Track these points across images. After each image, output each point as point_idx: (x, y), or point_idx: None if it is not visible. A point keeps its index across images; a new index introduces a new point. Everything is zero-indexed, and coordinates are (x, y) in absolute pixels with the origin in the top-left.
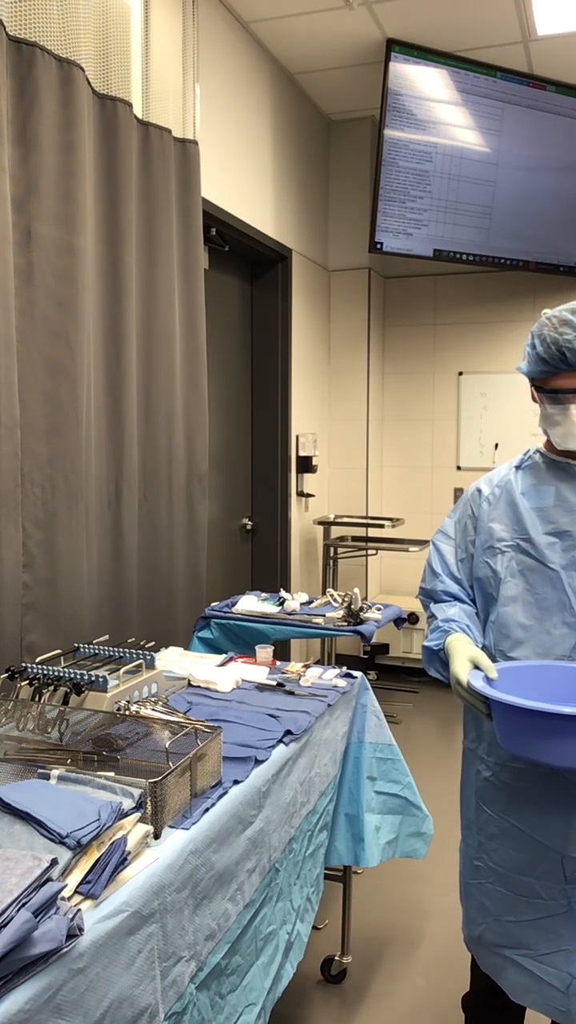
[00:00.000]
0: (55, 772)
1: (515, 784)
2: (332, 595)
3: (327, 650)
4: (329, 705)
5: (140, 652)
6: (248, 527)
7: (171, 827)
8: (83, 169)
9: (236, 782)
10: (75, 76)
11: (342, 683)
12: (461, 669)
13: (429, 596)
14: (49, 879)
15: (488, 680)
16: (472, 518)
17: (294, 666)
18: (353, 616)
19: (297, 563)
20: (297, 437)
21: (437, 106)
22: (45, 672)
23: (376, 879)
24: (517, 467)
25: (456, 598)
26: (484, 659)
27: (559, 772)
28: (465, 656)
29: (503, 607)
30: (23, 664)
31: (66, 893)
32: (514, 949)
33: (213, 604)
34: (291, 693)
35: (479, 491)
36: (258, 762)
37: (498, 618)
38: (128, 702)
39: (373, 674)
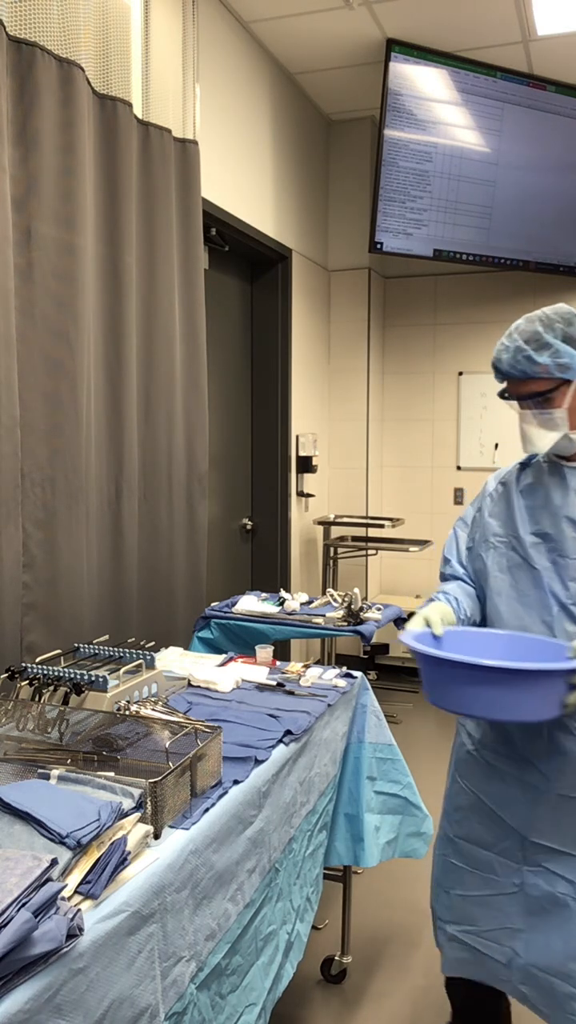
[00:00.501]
0: (55, 772)
1: (493, 763)
2: (332, 595)
3: (327, 650)
4: (329, 705)
5: (140, 652)
6: (248, 527)
7: (171, 827)
8: (83, 169)
9: (236, 782)
10: (75, 76)
11: (342, 683)
12: (410, 624)
13: (441, 579)
14: (49, 879)
15: (436, 640)
16: (479, 511)
17: (294, 666)
18: (353, 616)
19: (297, 563)
20: (297, 437)
21: (437, 106)
22: (45, 672)
23: (376, 879)
24: (522, 465)
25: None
26: (436, 618)
27: (535, 761)
28: (421, 615)
29: (490, 600)
30: (23, 664)
31: (66, 893)
32: (457, 925)
33: (213, 604)
34: (291, 693)
35: (487, 485)
36: (258, 762)
37: (487, 610)
38: (128, 702)
39: (373, 674)
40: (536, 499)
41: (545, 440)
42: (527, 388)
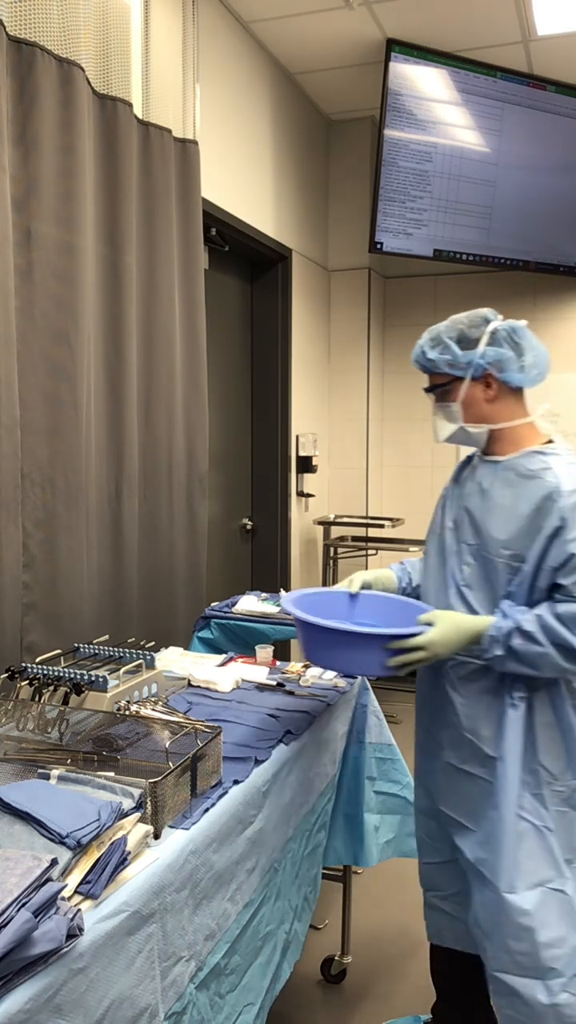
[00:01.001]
0: (55, 772)
1: (418, 735)
2: None
3: None
4: (329, 705)
5: (140, 652)
6: (248, 527)
7: (171, 827)
8: (83, 169)
9: (236, 782)
10: (75, 76)
11: (342, 683)
12: (339, 584)
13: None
14: (49, 879)
15: (351, 599)
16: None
17: (294, 666)
18: None
19: (297, 563)
20: (297, 437)
21: (437, 106)
22: (45, 672)
23: (376, 879)
24: (468, 459)
25: None
26: (363, 578)
27: (433, 731)
28: (356, 575)
29: (423, 579)
30: (23, 664)
31: (66, 893)
32: (431, 891)
33: (213, 604)
34: (291, 693)
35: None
36: (258, 762)
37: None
38: (128, 702)
39: None
40: (459, 490)
41: (445, 430)
42: (431, 381)
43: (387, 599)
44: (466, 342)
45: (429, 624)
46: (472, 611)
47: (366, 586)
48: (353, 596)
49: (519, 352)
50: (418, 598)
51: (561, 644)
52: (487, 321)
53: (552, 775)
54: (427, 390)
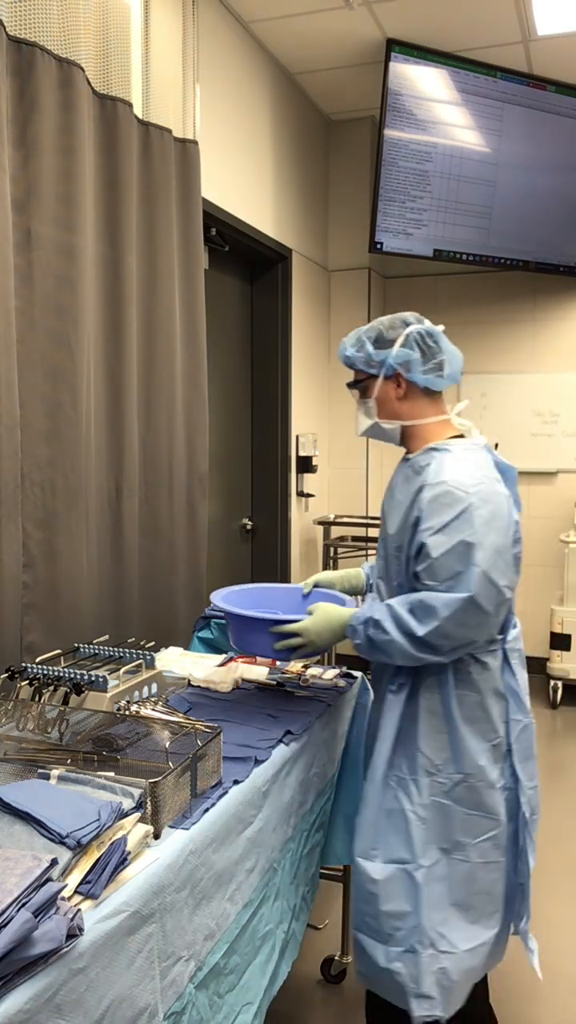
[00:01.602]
0: (55, 772)
1: None
2: None
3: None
4: (329, 705)
5: (140, 652)
6: (248, 527)
7: (171, 827)
8: (83, 169)
9: (236, 782)
10: (75, 76)
11: (342, 683)
12: (305, 581)
13: None
14: (49, 879)
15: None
16: None
17: (294, 666)
18: None
19: (297, 563)
20: (297, 437)
21: (437, 106)
22: (45, 672)
23: None
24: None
25: None
26: (322, 578)
27: None
28: (324, 574)
29: None
30: (23, 664)
31: (66, 893)
32: None
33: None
34: (291, 693)
35: None
36: (258, 762)
37: None
38: (128, 702)
39: None
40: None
41: (363, 424)
42: (353, 377)
43: (331, 595)
44: (382, 342)
45: (311, 614)
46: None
47: (328, 584)
48: (306, 595)
49: (430, 354)
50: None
51: (407, 632)
52: (406, 324)
53: (434, 765)
54: (348, 385)
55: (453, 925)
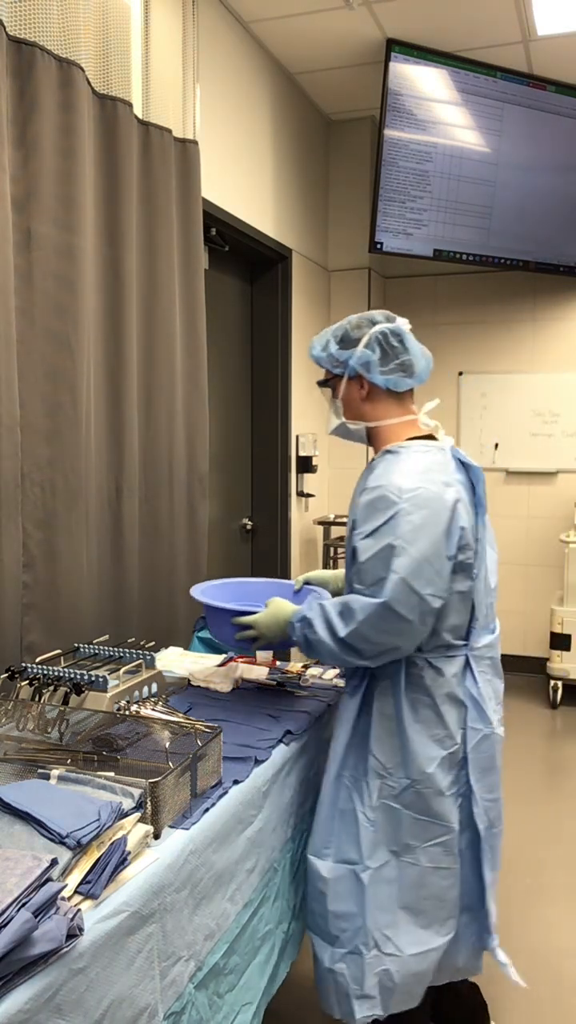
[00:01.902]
0: (55, 772)
1: None
2: None
3: None
4: (329, 705)
5: (140, 652)
6: (248, 527)
7: (171, 827)
8: (83, 169)
9: (236, 782)
10: (75, 76)
11: (342, 683)
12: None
13: None
14: (49, 879)
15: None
16: None
17: (294, 666)
18: None
19: (297, 563)
20: (297, 437)
21: (437, 106)
22: (45, 672)
23: None
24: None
25: None
26: (311, 575)
27: None
28: (314, 573)
29: None
30: (23, 664)
31: (66, 893)
32: None
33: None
34: (291, 693)
35: None
36: (258, 762)
37: None
38: (128, 702)
39: None
40: None
41: (331, 424)
42: (322, 376)
43: (318, 592)
44: (347, 342)
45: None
46: None
47: (321, 582)
48: (297, 591)
49: (392, 355)
50: None
51: (333, 633)
52: (372, 323)
53: (384, 768)
54: (319, 384)
55: (401, 928)
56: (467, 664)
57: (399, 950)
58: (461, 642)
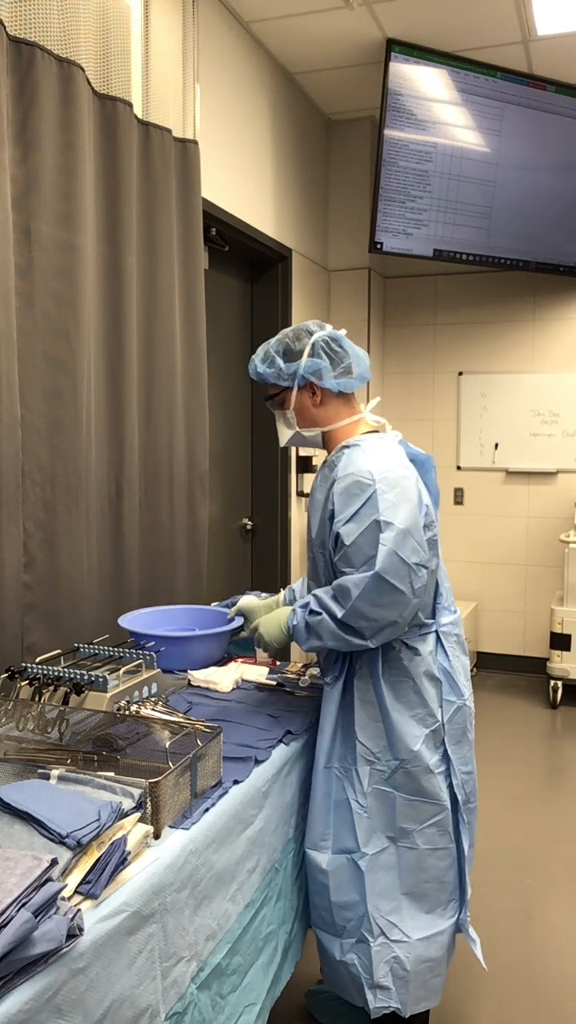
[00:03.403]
0: (55, 772)
1: None
2: None
3: None
4: None
5: (140, 652)
6: (248, 527)
7: (171, 827)
8: (83, 169)
9: (236, 782)
10: (75, 76)
11: (316, 671)
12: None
13: None
14: (49, 879)
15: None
16: None
17: (294, 666)
18: None
19: (297, 563)
20: None
21: (437, 106)
22: (45, 672)
23: None
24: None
25: None
26: (244, 606)
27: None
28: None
29: None
30: (23, 664)
31: (66, 893)
32: None
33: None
34: (291, 693)
35: None
36: (258, 762)
37: None
38: (128, 702)
39: None
40: None
41: (284, 435)
42: (268, 391)
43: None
44: (291, 354)
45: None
46: None
47: (249, 612)
48: (230, 620)
49: (338, 359)
50: None
51: (332, 616)
52: (310, 333)
53: (372, 753)
54: (265, 399)
55: (406, 914)
56: (438, 640)
57: (406, 935)
58: (430, 620)
